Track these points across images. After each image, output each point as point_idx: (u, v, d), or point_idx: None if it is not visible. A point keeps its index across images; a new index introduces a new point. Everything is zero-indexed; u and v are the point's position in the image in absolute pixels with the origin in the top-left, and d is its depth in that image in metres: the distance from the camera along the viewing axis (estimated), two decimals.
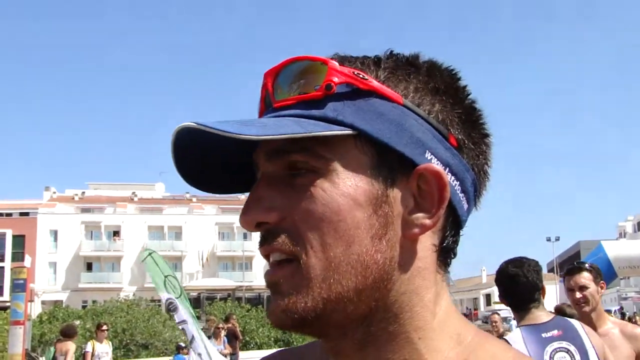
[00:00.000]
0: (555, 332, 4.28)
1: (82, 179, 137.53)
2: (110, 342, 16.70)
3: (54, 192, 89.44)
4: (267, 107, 0.91)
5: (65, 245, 79.76)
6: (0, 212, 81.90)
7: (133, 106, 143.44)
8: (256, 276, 79.72)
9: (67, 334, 15.76)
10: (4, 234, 76.57)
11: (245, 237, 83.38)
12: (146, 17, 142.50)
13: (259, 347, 28.03)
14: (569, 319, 4.58)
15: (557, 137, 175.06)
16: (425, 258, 0.88)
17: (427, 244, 0.88)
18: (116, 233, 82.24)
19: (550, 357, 4.17)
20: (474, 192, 0.92)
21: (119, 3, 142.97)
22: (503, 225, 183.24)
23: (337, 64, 0.85)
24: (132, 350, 26.14)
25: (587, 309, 5.14)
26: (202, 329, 11.69)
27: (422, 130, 0.86)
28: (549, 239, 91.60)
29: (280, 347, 29.35)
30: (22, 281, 17.02)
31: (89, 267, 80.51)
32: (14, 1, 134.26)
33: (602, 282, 5.29)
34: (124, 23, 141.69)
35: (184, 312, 10.31)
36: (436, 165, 0.85)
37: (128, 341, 26.98)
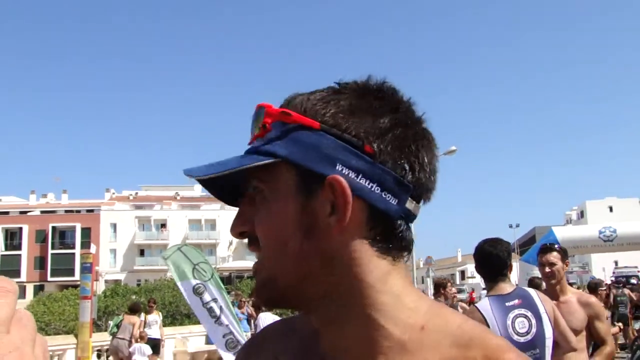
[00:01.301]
0: (516, 301, 4.35)
1: (135, 182, 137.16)
2: (159, 313, 16.82)
3: (113, 193, 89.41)
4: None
5: (122, 236, 79.85)
6: (71, 209, 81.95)
7: (176, 122, 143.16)
8: None
9: (134, 309, 15.90)
10: (74, 227, 77.57)
11: None
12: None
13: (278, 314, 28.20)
14: (527, 289, 4.66)
15: (522, 136, 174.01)
16: (357, 249, 0.91)
17: (355, 238, 0.91)
18: (163, 225, 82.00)
19: (511, 322, 4.25)
20: (407, 188, 0.92)
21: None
22: (475, 215, 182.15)
23: (272, 106, 0.94)
24: (177, 319, 26.25)
25: (553, 281, 5.27)
26: (231, 302, 11.68)
27: (333, 146, 0.89)
28: (510, 226, 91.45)
29: (289, 315, 29.05)
30: (88, 264, 16.99)
31: (142, 253, 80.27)
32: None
33: (567, 260, 5.38)
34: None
35: (214, 290, 10.37)
36: (346, 174, 0.88)
37: (174, 312, 27.06)
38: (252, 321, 18.60)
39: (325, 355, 0.96)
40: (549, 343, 4.25)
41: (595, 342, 5.49)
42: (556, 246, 5.47)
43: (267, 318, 14.36)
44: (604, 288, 18.04)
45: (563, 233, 29.01)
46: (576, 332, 5.09)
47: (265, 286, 0.95)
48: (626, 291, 20.46)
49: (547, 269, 5.31)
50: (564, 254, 5.37)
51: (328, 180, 0.87)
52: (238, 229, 0.98)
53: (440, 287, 11.09)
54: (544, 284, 6.13)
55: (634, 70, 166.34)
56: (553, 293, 5.26)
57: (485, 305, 4.39)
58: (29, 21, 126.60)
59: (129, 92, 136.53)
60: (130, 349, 14.72)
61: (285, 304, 0.99)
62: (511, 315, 4.26)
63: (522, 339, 4.18)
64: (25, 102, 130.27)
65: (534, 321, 4.24)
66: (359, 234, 0.91)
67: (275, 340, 1.12)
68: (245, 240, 0.98)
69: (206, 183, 0.98)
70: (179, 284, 10.49)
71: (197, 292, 10.28)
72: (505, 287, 4.45)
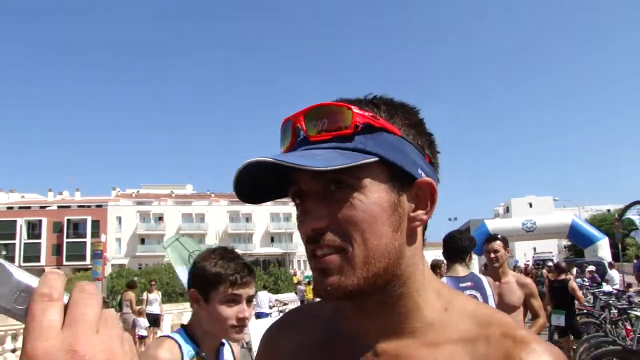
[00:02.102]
0: (468, 284, 4.50)
1: (137, 181, 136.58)
2: (159, 292, 16.75)
3: (118, 191, 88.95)
4: (301, 141, 0.90)
5: (126, 227, 79.54)
6: (82, 204, 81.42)
7: (172, 126, 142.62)
8: (255, 246, 79.70)
9: (130, 285, 15.84)
10: (85, 219, 77.31)
11: (247, 220, 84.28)
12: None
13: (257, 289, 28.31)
14: (479, 275, 4.72)
15: (461, 140, 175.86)
16: (419, 240, 0.94)
17: (419, 230, 0.94)
18: (160, 218, 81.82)
19: None
20: None
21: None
22: None
23: (358, 107, 0.87)
24: (173, 297, 26.17)
25: (497, 265, 5.31)
26: None
27: (414, 153, 0.90)
28: (450, 219, 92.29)
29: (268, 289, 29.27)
30: (99, 251, 17.03)
31: (142, 241, 79.97)
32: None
33: (508, 248, 5.41)
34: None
35: None
36: (425, 177, 0.90)
37: (171, 291, 26.93)
38: None
39: (357, 336, 0.94)
40: None
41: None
42: (499, 236, 5.50)
43: (262, 296, 14.30)
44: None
45: (493, 225, 29.45)
46: (515, 308, 5.19)
47: (349, 277, 0.86)
48: (544, 272, 20.87)
49: (492, 255, 5.35)
50: (505, 242, 5.43)
51: (420, 182, 0.90)
52: (314, 225, 0.87)
53: (436, 267, 11.19)
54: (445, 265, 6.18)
55: (562, 78, 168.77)
56: (496, 275, 5.33)
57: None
58: (42, 22, 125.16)
59: (132, 104, 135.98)
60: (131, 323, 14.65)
61: (357, 294, 0.87)
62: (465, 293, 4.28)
63: None
64: (45, 112, 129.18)
65: (481, 301, 4.23)
66: (421, 227, 0.94)
67: (300, 325, 1.07)
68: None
69: (246, 179, 0.87)
70: (176, 268, 10.39)
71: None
72: (461, 271, 4.60)
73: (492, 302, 4.41)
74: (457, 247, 4.76)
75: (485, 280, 4.57)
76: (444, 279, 4.59)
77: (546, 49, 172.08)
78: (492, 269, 5.39)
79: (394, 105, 0.93)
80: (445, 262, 12.80)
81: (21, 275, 0.56)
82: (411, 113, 0.94)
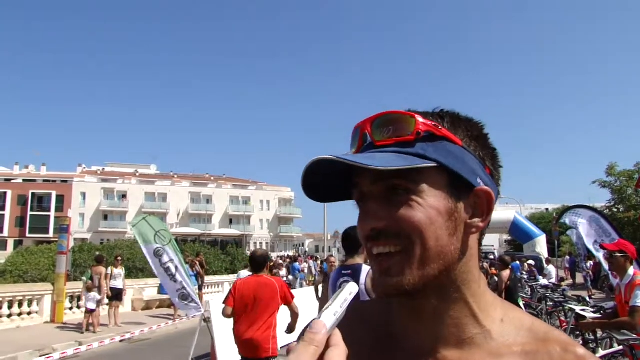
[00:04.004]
0: (349, 272, 4.89)
1: (102, 159, 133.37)
2: (124, 267, 16.53)
3: (84, 167, 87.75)
4: (366, 143, 0.92)
5: (90, 203, 78.45)
6: (48, 179, 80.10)
7: (145, 108, 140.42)
8: (214, 227, 79.56)
9: (99, 260, 15.57)
10: (50, 194, 76.46)
11: (208, 202, 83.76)
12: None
13: (214, 273, 27.97)
14: (365, 266, 4.84)
15: None
16: (474, 248, 0.93)
17: (475, 238, 0.93)
18: (124, 196, 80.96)
19: (339, 285, 4.84)
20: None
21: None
22: None
23: (421, 117, 0.89)
24: (133, 272, 25.75)
25: None
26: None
27: (474, 163, 0.90)
28: None
29: (229, 274, 29.30)
30: (65, 226, 16.65)
31: (105, 217, 79.15)
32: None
33: None
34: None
35: (170, 252, 10.23)
36: (484, 186, 0.90)
37: (131, 266, 26.50)
38: (199, 278, 18.62)
39: (412, 341, 0.93)
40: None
41: None
42: None
43: (243, 274, 14.03)
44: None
45: None
46: None
47: (407, 278, 0.86)
48: (485, 264, 21.15)
49: None
50: None
51: (478, 190, 0.90)
52: (373, 225, 0.88)
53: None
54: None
55: (507, 75, 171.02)
56: None
57: (334, 270, 5.19)
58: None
59: (101, 80, 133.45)
60: (84, 297, 14.49)
61: (414, 293, 0.88)
62: (341, 279, 4.87)
63: None
64: (15, 86, 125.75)
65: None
66: (478, 236, 0.94)
67: (347, 329, 1.01)
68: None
69: (307, 176, 0.88)
70: (142, 247, 10.32)
71: (157, 254, 10.26)
72: (350, 261, 4.99)
73: (362, 288, 4.62)
74: (352, 242, 4.99)
75: (366, 272, 4.77)
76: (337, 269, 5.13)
77: (495, 41, 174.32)
78: None
79: (459, 118, 0.95)
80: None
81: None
82: (475, 126, 0.95)
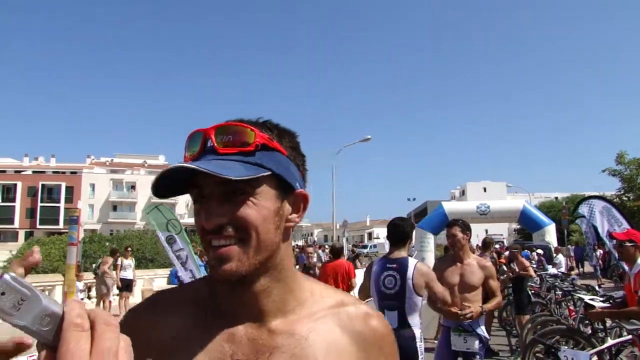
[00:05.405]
0: (394, 265, 4.75)
1: (112, 150, 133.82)
2: (133, 258, 16.65)
3: (93, 159, 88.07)
4: (208, 150, 1.05)
5: (99, 194, 78.70)
6: (57, 170, 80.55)
7: (153, 99, 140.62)
8: None
9: (113, 252, 15.89)
10: (60, 185, 76.71)
11: None
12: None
13: None
14: (411, 260, 4.80)
15: (422, 129, 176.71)
16: (290, 238, 1.15)
17: (290, 230, 1.14)
18: (133, 187, 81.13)
19: (382, 280, 4.76)
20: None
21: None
22: (382, 189, 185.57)
23: (258, 130, 1.05)
24: (142, 263, 25.86)
25: (456, 248, 5.35)
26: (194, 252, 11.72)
27: (294, 169, 1.11)
28: (409, 199, 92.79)
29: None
30: (75, 217, 16.63)
31: (115, 208, 79.40)
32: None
33: (468, 232, 5.40)
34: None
35: (181, 242, 10.39)
36: (301, 189, 1.13)
37: (140, 257, 26.62)
38: (207, 268, 18.62)
39: (246, 318, 1.10)
40: (408, 297, 4.64)
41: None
42: (459, 222, 5.48)
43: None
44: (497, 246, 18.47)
45: (450, 206, 29.77)
46: (475, 288, 5.26)
47: (243, 264, 1.02)
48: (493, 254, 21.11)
49: (450, 240, 5.41)
50: (464, 227, 5.40)
51: (298, 193, 1.12)
52: (219, 221, 1.02)
53: (489, 245, 11.40)
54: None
55: (520, 70, 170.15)
56: (457, 257, 5.38)
57: (377, 261, 4.98)
58: None
59: (111, 71, 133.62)
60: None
61: (248, 276, 1.04)
62: (385, 273, 4.74)
63: (387, 291, 4.70)
64: (20, 75, 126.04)
65: (399, 282, 4.66)
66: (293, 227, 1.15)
67: (173, 307, 1.16)
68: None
69: (165, 181, 1.00)
70: (158, 232, 10.63)
71: (169, 241, 10.52)
72: (396, 254, 4.88)
73: (409, 284, 4.63)
74: (400, 233, 4.92)
75: (413, 266, 4.73)
76: (380, 258, 5.02)
77: (514, 38, 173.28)
78: (454, 251, 5.43)
79: (282, 130, 1.13)
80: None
81: (47, 301, 0.63)
82: (293, 137, 1.14)
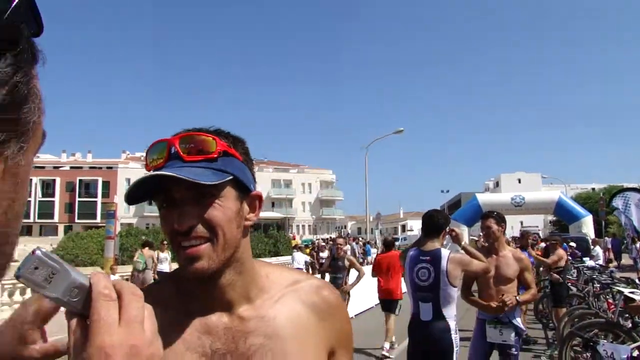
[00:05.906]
0: (427, 258, 4.77)
1: (147, 144, 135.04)
2: (169, 251, 16.88)
3: (128, 154, 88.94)
4: (174, 158, 1.12)
5: None
6: (94, 166, 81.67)
7: (185, 93, 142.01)
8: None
9: (148, 244, 16.17)
10: (96, 180, 77.59)
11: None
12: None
13: (257, 256, 28.30)
14: (445, 251, 4.81)
15: (456, 121, 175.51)
16: (248, 234, 1.24)
17: (248, 228, 1.23)
18: None
19: (416, 272, 4.80)
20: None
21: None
22: (416, 181, 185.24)
23: (218, 138, 1.13)
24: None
25: (491, 240, 5.36)
26: None
27: (249, 173, 1.21)
28: (442, 191, 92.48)
29: (271, 256, 29.50)
30: (112, 212, 17.02)
31: (150, 202, 79.83)
32: None
33: (503, 224, 5.41)
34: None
35: None
36: (255, 190, 1.23)
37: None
38: None
39: (215, 311, 1.19)
40: (443, 289, 4.66)
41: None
42: (494, 213, 5.47)
43: (298, 256, 14.29)
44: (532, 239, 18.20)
45: (484, 198, 29.56)
46: (510, 280, 5.23)
47: (213, 261, 1.10)
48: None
49: (485, 231, 5.40)
50: (499, 219, 5.40)
51: (254, 194, 1.22)
52: (191, 223, 1.09)
53: (526, 236, 11.45)
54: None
55: (554, 65, 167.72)
56: (493, 249, 5.36)
57: (411, 252, 4.96)
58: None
59: (145, 66, 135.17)
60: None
61: (216, 272, 1.13)
62: (419, 265, 4.76)
63: (422, 284, 4.73)
64: (58, 72, 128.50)
65: (433, 274, 4.68)
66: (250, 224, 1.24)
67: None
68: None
69: (139, 187, 1.08)
70: None
71: None
72: (430, 245, 4.88)
73: (443, 275, 4.64)
74: (434, 224, 4.93)
75: (447, 257, 4.73)
76: (414, 249, 4.99)
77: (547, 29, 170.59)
78: (488, 243, 5.42)
79: (235, 137, 1.21)
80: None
81: (76, 274, 0.70)
82: (244, 144, 1.24)
